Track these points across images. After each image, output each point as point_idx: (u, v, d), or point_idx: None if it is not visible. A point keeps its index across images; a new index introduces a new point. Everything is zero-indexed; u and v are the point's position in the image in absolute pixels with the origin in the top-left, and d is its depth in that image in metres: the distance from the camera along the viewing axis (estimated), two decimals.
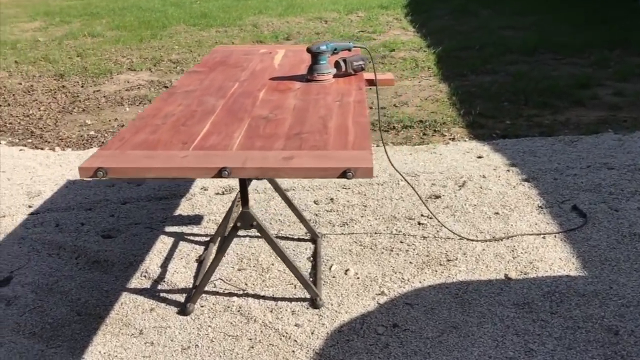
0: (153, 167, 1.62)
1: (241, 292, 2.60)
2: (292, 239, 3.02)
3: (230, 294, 2.59)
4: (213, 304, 2.53)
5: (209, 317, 2.45)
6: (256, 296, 2.57)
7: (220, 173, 1.60)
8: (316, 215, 3.24)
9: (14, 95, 5.96)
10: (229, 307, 2.51)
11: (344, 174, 1.60)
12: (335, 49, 2.51)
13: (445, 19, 8.47)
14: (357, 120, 1.97)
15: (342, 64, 2.50)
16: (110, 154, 1.70)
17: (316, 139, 1.82)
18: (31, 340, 2.36)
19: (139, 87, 6.06)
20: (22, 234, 3.19)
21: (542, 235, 2.91)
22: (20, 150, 4.52)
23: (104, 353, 2.28)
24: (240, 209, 2.27)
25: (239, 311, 2.48)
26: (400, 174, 3.06)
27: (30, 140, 4.72)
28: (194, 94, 2.33)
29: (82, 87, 6.18)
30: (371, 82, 2.65)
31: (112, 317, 2.49)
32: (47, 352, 2.30)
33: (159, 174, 1.62)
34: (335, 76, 2.53)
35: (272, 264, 2.79)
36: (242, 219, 2.25)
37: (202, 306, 2.52)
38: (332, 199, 3.41)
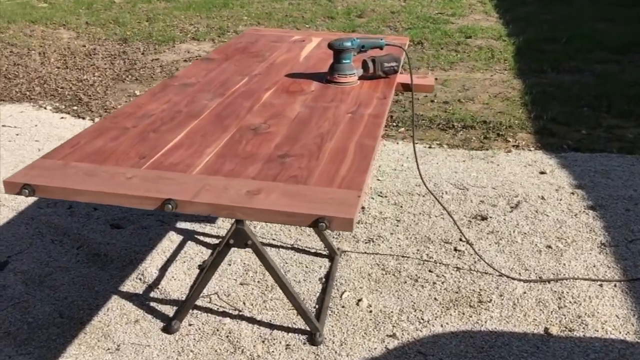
0: (86, 189, 1.33)
1: (236, 312, 2.32)
2: (308, 253, 2.70)
3: (224, 314, 2.31)
4: (202, 323, 2.26)
5: (193, 339, 2.19)
6: (251, 320, 2.28)
7: (163, 205, 1.29)
8: None
9: (75, 57, 5.90)
10: (218, 330, 2.23)
11: (315, 224, 1.25)
12: (363, 47, 2.12)
13: (534, 5, 7.74)
14: (363, 143, 1.61)
15: (370, 64, 2.11)
16: (48, 167, 1.43)
17: (301, 165, 1.47)
18: (2, 342, 2.17)
19: (197, 59, 5.85)
20: (33, 214, 3.03)
21: (599, 282, 2.44)
22: (62, 118, 4.41)
23: None
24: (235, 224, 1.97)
25: (227, 337, 2.19)
26: (431, 194, 2.66)
27: (75, 108, 4.61)
28: (191, 89, 2.02)
29: (142, 54, 6.04)
30: (407, 87, 2.25)
31: (93, 324, 2.27)
32: (15, 358, 2.10)
33: (92, 200, 1.33)
34: (361, 78, 2.15)
35: None
36: (235, 237, 1.94)
37: (190, 324, 2.26)
38: (362, 207, 3.05)
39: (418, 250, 2.70)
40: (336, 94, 2.01)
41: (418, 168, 2.50)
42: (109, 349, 2.15)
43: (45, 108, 4.58)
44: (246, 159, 1.51)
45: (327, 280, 2.50)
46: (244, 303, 2.37)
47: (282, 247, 2.76)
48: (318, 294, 2.43)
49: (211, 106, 1.87)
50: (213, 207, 1.29)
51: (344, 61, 2.07)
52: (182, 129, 1.68)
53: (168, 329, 2.23)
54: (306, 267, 2.61)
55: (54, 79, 5.21)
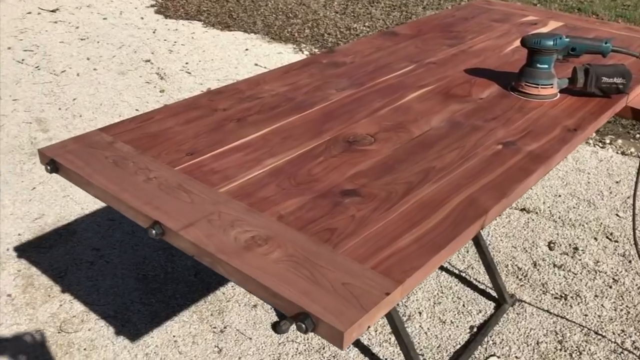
0: (95, 183, 1.12)
1: None
2: (475, 288, 2.18)
3: None
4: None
5: (294, 350, 1.93)
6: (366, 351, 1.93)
7: (152, 226, 1.02)
8: (534, 265, 2.28)
9: (356, 4, 5.83)
10: (321, 349, 1.93)
11: (295, 318, 0.85)
12: (574, 49, 1.49)
13: None
14: (477, 200, 1.09)
15: (581, 75, 1.48)
16: (88, 143, 1.26)
17: (355, 214, 1.04)
18: (134, 285, 2.20)
19: None
20: None
21: None
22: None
23: None
24: None
25: (330, 358, 1.88)
26: None
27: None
28: (334, 70, 1.67)
29: (422, 8, 5.70)
30: (638, 115, 1.54)
31: (217, 295, 2.16)
32: (135, 305, 2.12)
33: (97, 196, 1.12)
34: (563, 91, 1.53)
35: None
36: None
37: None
38: (576, 248, 2.36)
39: (624, 331, 1.97)
40: (510, 108, 1.45)
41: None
42: (214, 327, 2.03)
43: (302, 52, 4.60)
44: (300, 185, 1.13)
45: (479, 331, 1.98)
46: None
47: (447, 270, 2.28)
48: (456, 347, 1.93)
49: (333, 99, 1.50)
50: (197, 249, 0.97)
51: (539, 65, 1.48)
52: (269, 125, 1.36)
53: (276, 327, 2.00)
54: (463, 305, 2.11)
55: (325, 24, 5.22)
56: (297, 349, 1.93)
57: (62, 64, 4.25)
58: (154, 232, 1.01)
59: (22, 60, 4.34)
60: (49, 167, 1.20)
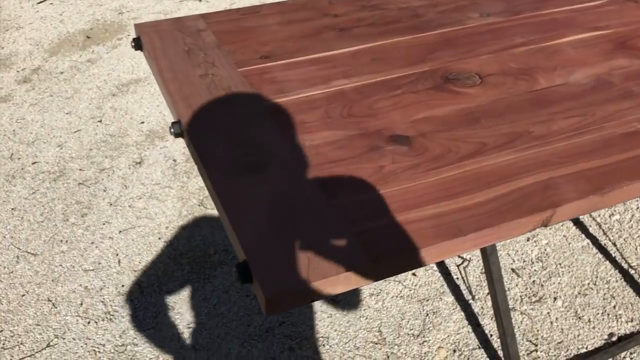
0: (155, 65, 1.08)
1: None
2: (638, 289, 1.80)
3: None
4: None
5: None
6: None
7: (174, 123, 0.96)
8: None
9: None
10: None
11: (238, 266, 0.74)
12: None
13: None
14: (555, 187, 0.82)
15: None
16: (179, 27, 1.21)
17: (386, 165, 0.86)
18: None
19: None
20: None
21: None
22: None
23: None
24: None
25: None
26: None
27: None
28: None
29: None
30: None
31: None
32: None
33: (156, 79, 1.09)
34: None
35: None
36: None
37: None
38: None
39: None
40: None
41: None
42: None
43: None
44: (350, 118, 0.96)
45: (618, 342, 1.64)
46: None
47: (614, 260, 1.90)
48: (581, 351, 1.63)
49: (467, 24, 1.23)
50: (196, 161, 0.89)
51: None
52: (369, 41, 1.17)
53: None
54: (613, 307, 1.75)
55: None
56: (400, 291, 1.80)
57: None
58: (172, 130, 0.95)
59: None
60: (133, 44, 1.19)
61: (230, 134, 0.92)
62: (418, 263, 0.76)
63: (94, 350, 1.67)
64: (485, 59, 1.12)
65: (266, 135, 0.92)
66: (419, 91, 1.03)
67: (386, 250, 0.73)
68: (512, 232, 0.79)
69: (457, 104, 1.00)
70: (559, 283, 1.83)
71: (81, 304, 1.81)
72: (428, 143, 0.91)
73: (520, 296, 1.80)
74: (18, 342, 1.70)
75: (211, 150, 0.88)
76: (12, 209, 2.18)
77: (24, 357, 1.66)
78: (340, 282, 0.69)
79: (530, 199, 0.81)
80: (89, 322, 1.75)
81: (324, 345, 1.67)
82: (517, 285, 1.84)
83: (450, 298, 1.80)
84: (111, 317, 1.77)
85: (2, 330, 1.73)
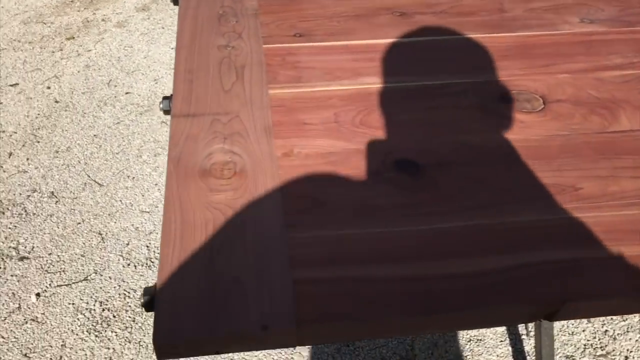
0: (179, 26, 0.98)
1: None
2: None
3: None
4: None
5: None
6: None
7: (164, 98, 0.85)
8: None
9: None
10: None
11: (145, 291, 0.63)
12: None
13: None
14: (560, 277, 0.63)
15: None
16: None
17: (375, 200, 0.70)
18: None
19: None
20: None
21: None
22: None
23: None
24: None
25: None
26: None
27: None
28: None
29: None
30: None
31: None
32: None
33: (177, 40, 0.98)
34: None
35: None
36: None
37: None
38: None
39: None
40: None
41: None
42: None
43: None
44: (361, 127, 0.80)
45: None
46: None
47: None
48: None
49: (562, 30, 1.00)
50: (171, 146, 0.78)
51: None
52: (427, 35, 0.98)
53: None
54: None
55: None
56: None
57: None
58: (161, 105, 0.85)
59: None
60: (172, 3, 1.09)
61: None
62: (363, 335, 0.61)
63: (125, 294, 1.68)
64: (561, 79, 0.90)
65: (250, 131, 0.79)
66: (461, 107, 0.84)
67: (320, 314, 0.59)
68: (496, 322, 0.62)
69: (501, 133, 0.80)
70: (636, 341, 1.56)
71: (127, 244, 1.82)
72: (440, 178, 0.73)
73: (584, 345, 1.56)
74: (61, 268, 1.75)
75: (178, 156, 0.77)
76: (94, 135, 2.23)
77: (61, 285, 1.70)
78: (236, 342, 0.57)
79: (534, 282, 0.62)
80: (128, 264, 1.76)
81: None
82: (584, 330, 1.59)
83: (500, 327, 1.59)
84: (151, 264, 1.77)
85: (50, 254, 1.79)
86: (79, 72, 2.56)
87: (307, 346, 1.55)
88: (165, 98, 0.85)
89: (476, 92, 0.87)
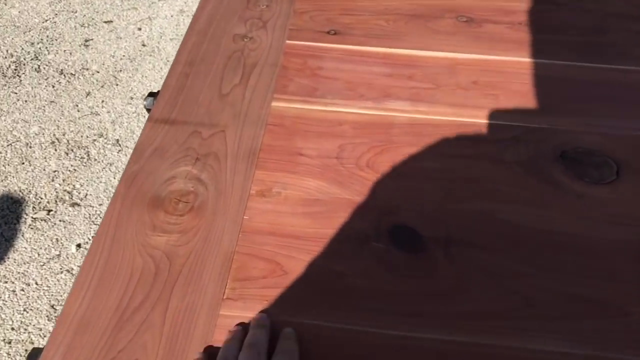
0: (198, 10, 0.84)
1: None
2: None
3: None
4: None
5: None
6: None
7: (150, 95, 0.73)
8: None
9: None
10: None
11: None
12: None
13: None
14: None
15: None
16: None
17: (352, 278, 0.55)
18: None
19: None
20: None
21: None
22: None
23: None
24: None
25: None
26: None
27: None
28: None
29: None
30: None
31: None
32: None
33: None
34: None
35: None
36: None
37: None
38: None
39: None
40: None
41: None
42: None
43: None
44: (367, 169, 0.64)
45: None
46: None
47: None
48: None
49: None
50: (137, 152, 0.66)
51: None
52: (499, 52, 0.78)
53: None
54: None
55: None
56: None
57: None
58: (144, 103, 0.73)
59: None
60: None
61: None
62: None
63: None
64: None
65: (229, 154, 0.65)
66: (501, 161, 0.65)
67: None
68: None
69: (547, 207, 0.61)
70: None
71: None
72: (445, 261, 0.56)
73: None
74: None
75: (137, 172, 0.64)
76: None
77: None
78: None
79: None
80: None
81: None
82: None
83: None
84: None
85: (101, 205, 1.77)
86: (172, 16, 2.51)
87: None
88: (150, 95, 0.72)
89: (527, 143, 0.67)
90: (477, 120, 0.69)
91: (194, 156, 0.64)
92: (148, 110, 0.72)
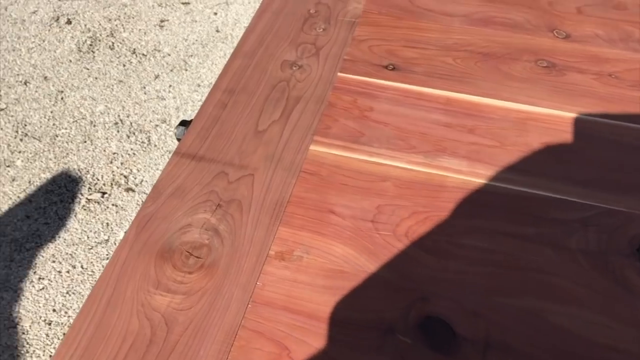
0: (248, 33, 0.77)
1: None
2: None
3: None
4: None
5: None
6: None
7: (181, 124, 0.67)
8: None
9: None
10: None
11: None
12: None
13: None
14: None
15: None
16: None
17: None
18: None
19: None
20: None
21: None
22: None
23: None
24: None
25: None
26: None
27: None
28: None
29: None
30: None
31: None
32: None
33: None
34: None
35: None
36: None
37: None
38: None
39: None
40: None
41: None
42: None
43: None
44: (400, 238, 0.56)
45: None
46: None
47: None
48: None
49: None
50: (157, 190, 0.61)
51: None
52: (574, 107, 0.68)
53: None
54: None
55: None
56: None
57: None
58: (175, 131, 0.67)
59: None
60: None
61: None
62: None
63: None
64: None
65: (254, 204, 0.58)
66: (564, 248, 0.55)
67: None
68: None
69: (619, 315, 0.51)
70: None
71: None
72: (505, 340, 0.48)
73: None
74: None
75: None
76: None
77: None
78: None
79: None
80: None
81: None
82: None
83: None
84: None
85: None
86: (249, 2, 2.47)
87: None
88: (182, 123, 0.67)
89: (599, 229, 0.57)
90: (542, 192, 0.59)
91: (216, 202, 0.58)
92: (178, 139, 0.67)
